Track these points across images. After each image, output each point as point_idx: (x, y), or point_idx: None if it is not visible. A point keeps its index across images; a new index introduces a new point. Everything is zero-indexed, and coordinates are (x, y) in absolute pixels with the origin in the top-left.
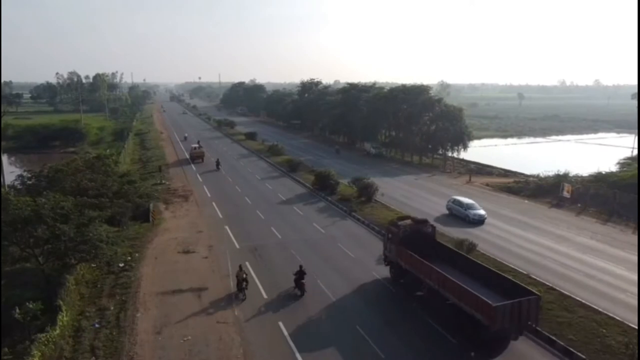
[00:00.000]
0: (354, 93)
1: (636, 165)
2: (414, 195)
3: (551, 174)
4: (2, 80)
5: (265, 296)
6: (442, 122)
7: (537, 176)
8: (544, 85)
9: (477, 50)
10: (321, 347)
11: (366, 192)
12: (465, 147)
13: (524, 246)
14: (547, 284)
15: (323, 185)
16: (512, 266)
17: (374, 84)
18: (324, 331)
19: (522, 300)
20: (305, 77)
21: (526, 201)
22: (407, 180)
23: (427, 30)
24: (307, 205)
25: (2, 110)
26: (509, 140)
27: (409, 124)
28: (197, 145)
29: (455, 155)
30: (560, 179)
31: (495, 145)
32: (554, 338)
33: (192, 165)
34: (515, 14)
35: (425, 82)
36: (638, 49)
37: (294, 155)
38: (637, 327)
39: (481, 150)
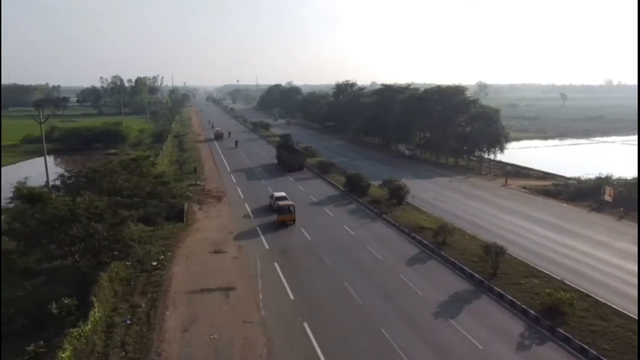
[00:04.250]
0: (388, 94)
1: None
2: (446, 198)
3: (592, 176)
4: (51, 85)
5: (292, 297)
6: (478, 123)
7: (577, 179)
8: (589, 84)
9: (518, 49)
10: (345, 349)
11: (397, 194)
12: (501, 148)
13: (558, 251)
14: (582, 290)
15: (354, 187)
16: (546, 271)
17: (410, 85)
18: (350, 334)
19: (297, 154)
20: (342, 79)
21: (564, 205)
22: (441, 183)
23: (467, 30)
24: (338, 207)
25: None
26: (550, 142)
27: (444, 126)
28: (218, 129)
29: (491, 157)
30: (602, 182)
31: (535, 147)
32: (586, 347)
33: (227, 165)
34: (559, 10)
35: (462, 83)
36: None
37: (327, 157)
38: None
39: (519, 152)
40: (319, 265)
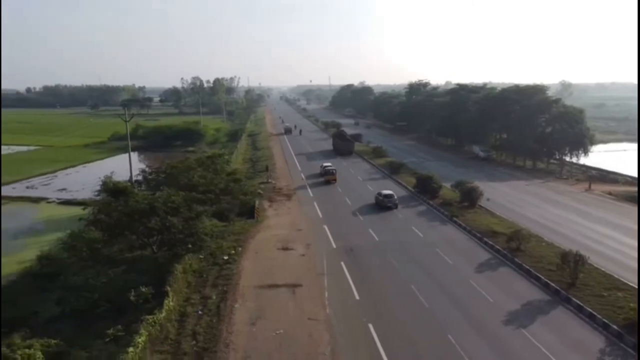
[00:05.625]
0: (463, 94)
1: None
2: (522, 202)
3: None
4: (137, 86)
5: (357, 297)
6: (560, 124)
7: None
8: None
9: (606, 46)
10: (410, 353)
11: (469, 197)
12: (585, 151)
13: None
14: None
15: (424, 189)
16: (631, 284)
17: (486, 84)
18: (415, 338)
19: (347, 142)
20: (415, 78)
21: None
22: (517, 186)
23: (548, 26)
24: (407, 208)
25: None
26: None
27: (522, 126)
28: (287, 124)
29: (573, 160)
30: None
31: (624, 150)
32: None
33: (297, 164)
34: None
35: (544, 82)
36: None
37: (398, 157)
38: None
39: (606, 156)
40: (385, 266)
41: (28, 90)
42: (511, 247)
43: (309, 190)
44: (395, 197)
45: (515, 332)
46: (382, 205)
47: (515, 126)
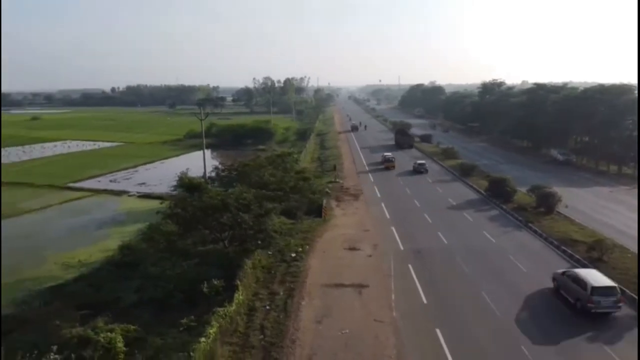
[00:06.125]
0: (541, 94)
1: None
2: (606, 210)
3: None
4: (211, 86)
5: (425, 301)
6: None
7: None
8: None
9: None
10: None
11: (546, 203)
12: None
13: None
14: None
15: (497, 192)
16: None
17: (566, 84)
18: (486, 347)
19: (408, 136)
20: (489, 78)
21: None
22: (599, 192)
23: (634, 21)
24: (478, 212)
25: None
26: None
27: (606, 129)
28: (354, 122)
29: None
30: None
31: None
32: None
33: (364, 161)
34: None
35: (632, 82)
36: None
37: (469, 159)
38: None
39: None
40: (454, 270)
41: (113, 90)
42: (592, 257)
43: (375, 187)
44: (426, 164)
45: (598, 349)
46: (417, 170)
47: (599, 128)
